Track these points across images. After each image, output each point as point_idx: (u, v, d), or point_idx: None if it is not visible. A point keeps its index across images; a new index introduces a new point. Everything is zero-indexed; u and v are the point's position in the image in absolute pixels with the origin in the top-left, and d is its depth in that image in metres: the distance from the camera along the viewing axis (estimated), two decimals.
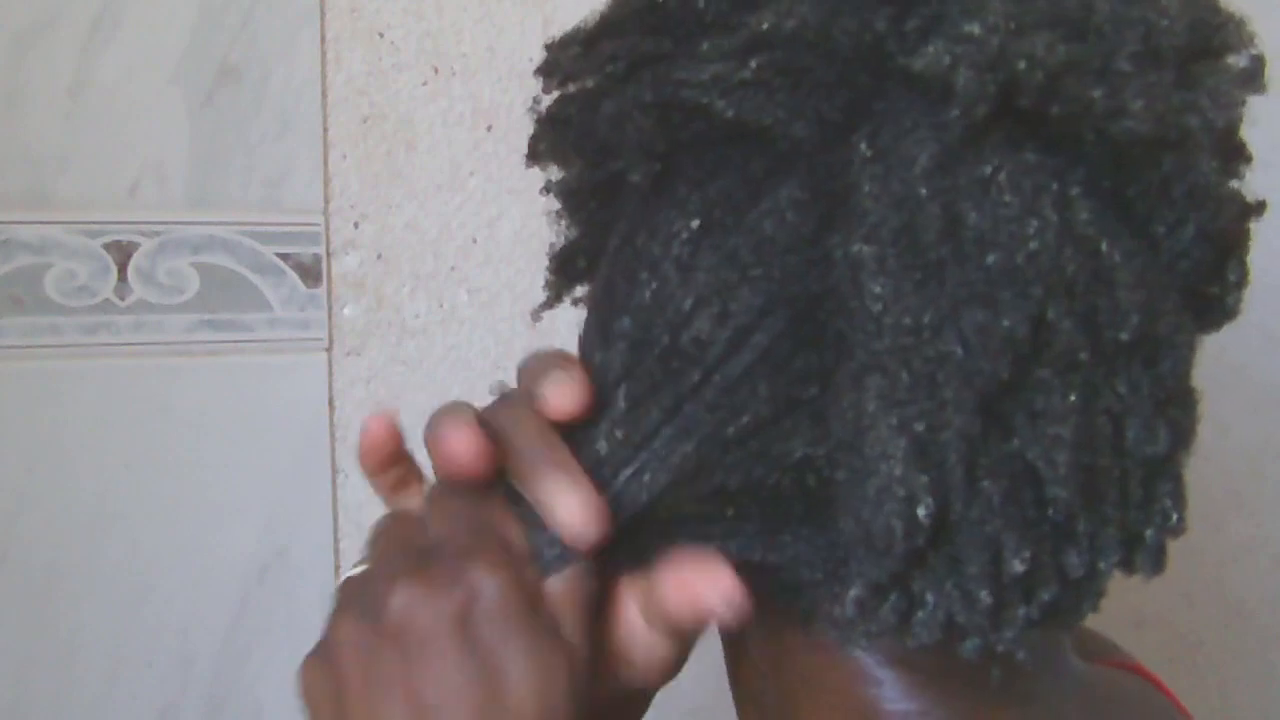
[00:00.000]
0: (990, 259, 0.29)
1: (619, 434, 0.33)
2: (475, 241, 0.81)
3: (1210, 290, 0.33)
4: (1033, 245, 0.29)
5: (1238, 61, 0.32)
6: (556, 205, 0.41)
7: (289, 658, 0.77)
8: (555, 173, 0.40)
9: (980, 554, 0.30)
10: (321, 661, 0.34)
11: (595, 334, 0.35)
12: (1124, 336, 0.30)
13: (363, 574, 0.34)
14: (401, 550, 0.33)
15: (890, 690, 0.34)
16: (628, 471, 0.33)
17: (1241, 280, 0.34)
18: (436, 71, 0.79)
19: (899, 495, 0.29)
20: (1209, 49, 0.32)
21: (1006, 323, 0.29)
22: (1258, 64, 0.32)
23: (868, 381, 0.30)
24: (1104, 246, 0.30)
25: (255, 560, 0.77)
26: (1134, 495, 0.31)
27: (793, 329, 0.31)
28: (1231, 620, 1.03)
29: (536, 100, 0.38)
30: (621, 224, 0.36)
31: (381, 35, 0.78)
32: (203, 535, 0.76)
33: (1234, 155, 0.33)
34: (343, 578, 0.35)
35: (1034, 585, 0.31)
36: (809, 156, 0.31)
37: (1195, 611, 1.01)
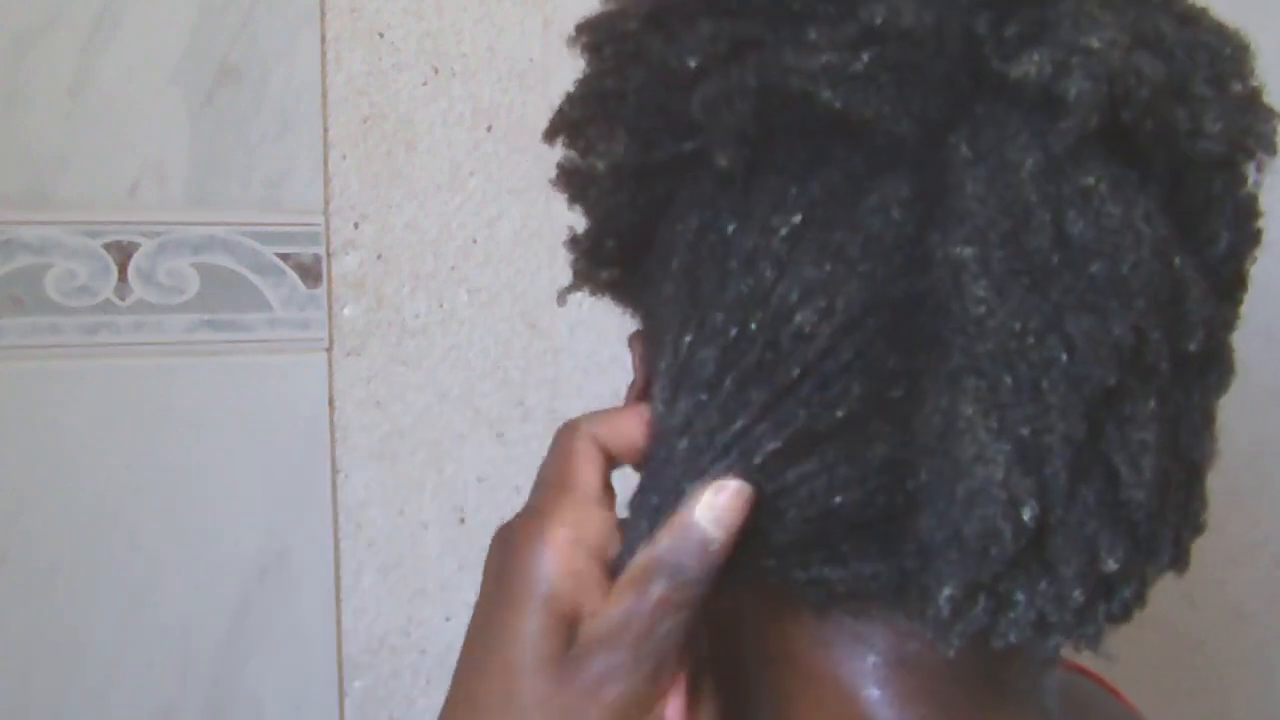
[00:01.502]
0: (1095, 268, 0.30)
1: (708, 427, 0.33)
2: (475, 241, 0.81)
3: None
4: (1133, 257, 0.30)
5: (1243, 89, 0.33)
6: (569, 184, 0.39)
7: (289, 658, 0.77)
8: (565, 149, 0.38)
9: (1079, 554, 0.31)
10: None
11: (678, 324, 0.34)
12: (1193, 348, 0.31)
13: None
14: None
15: (893, 693, 0.34)
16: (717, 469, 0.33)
17: (1241, 300, 0.36)
18: (436, 71, 0.79)
19: (1001, 499, 0.30)
20: (1247, 75, 0.33)
21: (1117, 331, 0.29)
22: (1258, 93, 0.33)
23: (965, 384, 0.30)
24: (1178, 261, 0.31)
25: (255, 560, 0.77)
26: (1180, 499, 0.33)
27: (891, 329, 0.31)
28: (1232, 621, 1.03)
29: (583, 73, 0.37)
30: (695, 209, 0.35)
31: (381, 35, 0.78)
32: (203, 535, 0.76)
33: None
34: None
35: (1118, 583, 0.31)
36: (909, 154, 0.31)
37: (1196, 613, 1.01)
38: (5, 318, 0.71)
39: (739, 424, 0.32)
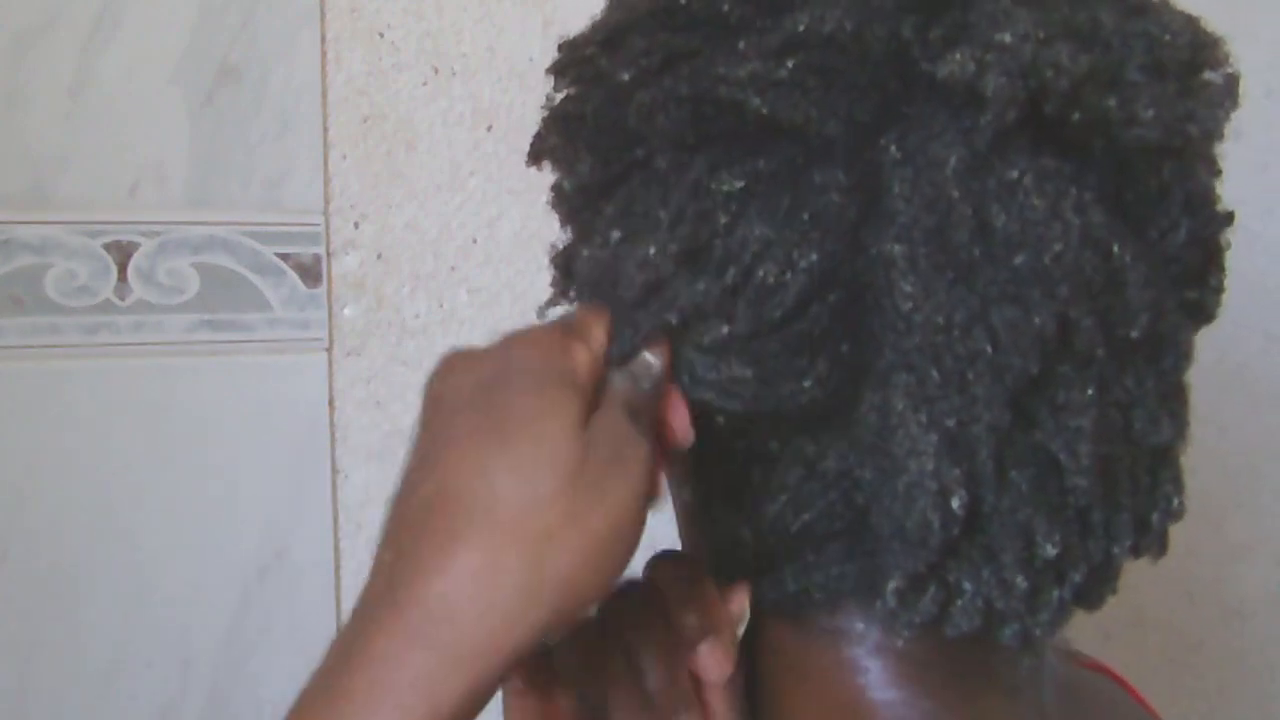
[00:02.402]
0: (1019, 259, 0.30)
1: (721, 334, 0.32)
2: (475, 241, 0.81)
3: (1191, 295, 0.35)
4: (1057, 247, 0.30)
5: (1217, 79, 0.33)
6: (558, 205, 0.41)
7: (289, 657, 0.77)
8: (553, 173, 0.40)
9: (1014, 541, 0.31)
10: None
11: (628, 246, 0.34)
12: (1134, 334, 0.31)
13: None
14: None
15: (876, 678, 0.35)
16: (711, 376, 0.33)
17: (1220, 286, 0.36)
18: (436, 71, 0.79)
19: (932, 489, 0.31)
20: (1201, 64, 0.33)
21: (1038, 320, 0.30)
22: (1233, 83, 0.34)
23: (896, 380, 0.31)
24: (1116, 249, 0.31)
25: (255, 560, 0.77)
26: (1141, 482, 0.33)
27: (843, 313, 0.32)
28: (1231, 620, 1.03)
29: (550, 99, 0.38)
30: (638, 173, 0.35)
31: (381, 35, 0.78)
32: (203, 535, 0.76)
33: (1210, 167, 0.35)
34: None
35: (1065, 568, 0.32)
36: (841, 155, 0.32)
37: (1195, 611, 1.01)
38: (5, 318, 0.71)
39: (725, 329, 0.32)
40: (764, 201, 0.32)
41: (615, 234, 0.34)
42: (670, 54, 0.34)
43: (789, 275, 0.31)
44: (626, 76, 0.34)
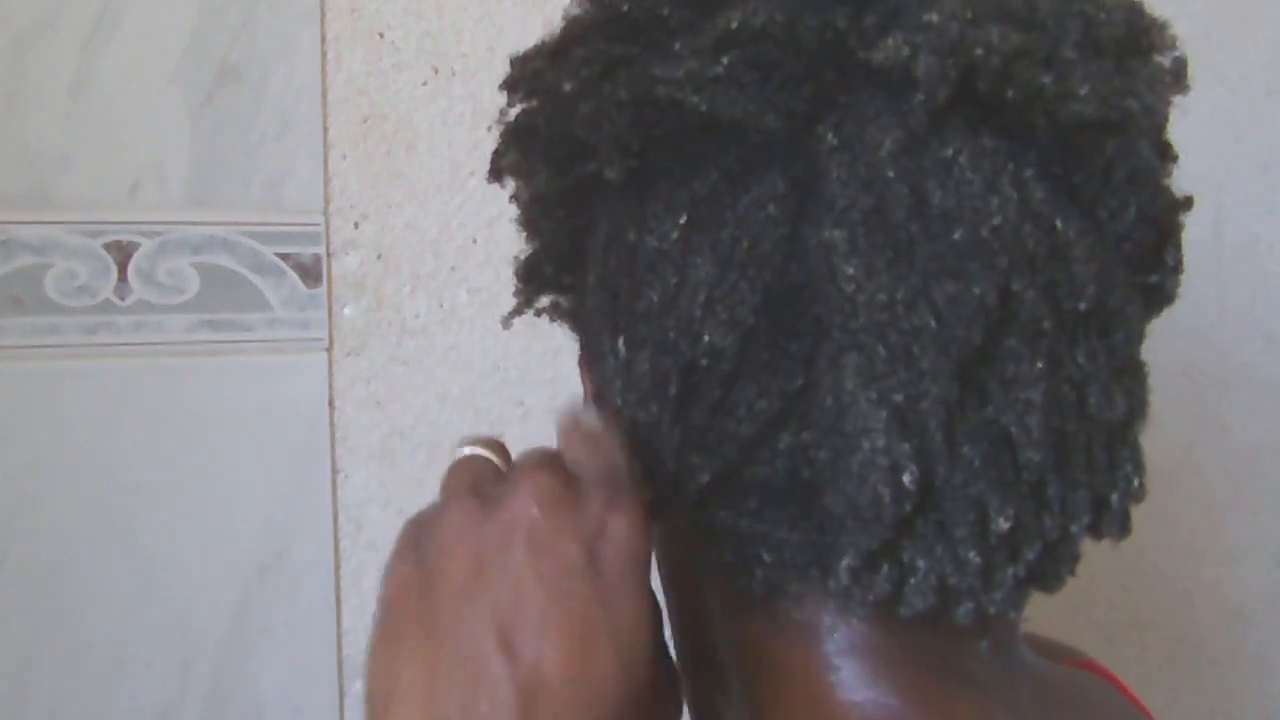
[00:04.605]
0: (957, 234, 0.31)
1: (672, 442, 0.35)
2: (475, 241, 0.81)
3: (1151, 279, 0.35)
4: (995, 220, 0.30)
5: (1164, 61, 0.34)
6: (519, 215, 0.41)
7: (289, 658, 0.77)
8: (514, 187, 0.41)
9: (966, 516, 0.31)
10: (419, 557, 0.35)
11: (608, 335, 0.36)
12: (1082, 306, 0.31)
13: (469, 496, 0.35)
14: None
15: (849, 677, 0.35)
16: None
17: (1178, 266, 0.36)
18: (436, 71, 0.79)
19: (883, 465, 0.31)
20: (1141, 46, 0.33)
21: (977, 291, 0.30)
22: (1181, 65, 0.34)
23: (845, 360, 0.31)
24: (1059, 223, 0.31)
25: (255, 560, 0.77)
26: (1098, 461, 0.33)
27: (781, 325, 0.33)
28: (1231, 621, 1.03)
29: (503, 113, 0.39)
30: (602, 223, 0.37)
31: (381, 35, 0.78)
32: (203, 535, 0.76)
33: (1164, 152, 0.35)
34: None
35: (1019, 544, 0.32)
36: (780, 148, 0.33)
37: (1195, 612, 1.01)
38: (5, 318, 0.71)
39: (679, 432, 0.34)
40: (704, 230, 0.33)
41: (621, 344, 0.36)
42: (610, 62, 0.34)
43: (730, 336, 0.32)
44: (569, 87, 0.35)
